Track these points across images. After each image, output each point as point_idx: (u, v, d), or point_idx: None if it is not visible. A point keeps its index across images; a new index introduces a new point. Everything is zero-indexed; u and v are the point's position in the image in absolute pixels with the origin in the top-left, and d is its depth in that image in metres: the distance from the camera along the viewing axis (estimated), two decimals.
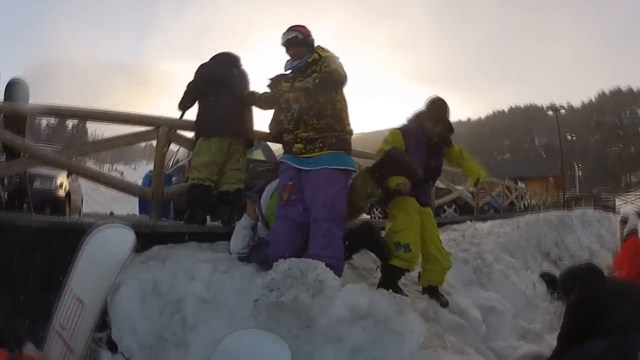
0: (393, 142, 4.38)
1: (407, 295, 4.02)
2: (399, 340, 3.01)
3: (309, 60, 4.09)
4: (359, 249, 4.43)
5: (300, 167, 3.96)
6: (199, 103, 4.88)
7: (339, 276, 3.58)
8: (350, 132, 4.07)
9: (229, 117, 4.60)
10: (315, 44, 4.21)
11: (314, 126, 3.94)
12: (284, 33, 4.22)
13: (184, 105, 4.97)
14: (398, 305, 3.25)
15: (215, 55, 5.04)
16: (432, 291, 4.38)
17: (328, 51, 4.12)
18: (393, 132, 4.54)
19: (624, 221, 6.58)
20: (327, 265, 3.50)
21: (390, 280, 4.18)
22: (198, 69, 4.97)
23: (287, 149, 4.14)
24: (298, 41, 4.15)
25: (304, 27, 4.26)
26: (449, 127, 4.58)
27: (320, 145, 3.90)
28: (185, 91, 4.95)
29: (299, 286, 3.20)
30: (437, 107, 4.53)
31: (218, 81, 4.80)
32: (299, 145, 3.98)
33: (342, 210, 3.87)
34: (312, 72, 4.01)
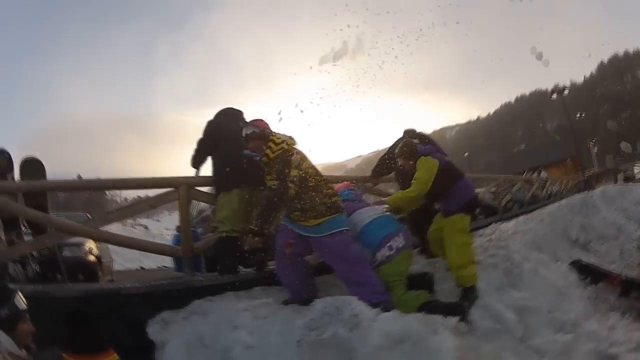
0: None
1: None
2: (435, 358, 3.15)
3: (262, 161, 4.39)
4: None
5: (301, 233, 4.24)
6: (213, 158, 5.06)
7: (390, 309, 3.75)
8: (334, 194, 4.33)
9: (244, 168, 4.73)
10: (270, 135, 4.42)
11: (302, 205, 4.20)
12: (244, 128, 4.51)
13: (197, 163, 5.16)
14: (432, 325, 3.39)
15: (220, 111, 5.25)
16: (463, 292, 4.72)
17: (278, 148, 4.32)
18: (430, 161, 5.06)
19: None
20: (372, 304, 3.72)
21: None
22: (206, 126, 5.15)
23: (286, 214, 4.39)
24: (255, 136, 4.40)
25: (261, 120, 4.59)
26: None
27: (315, 214, 4.14)
28: (197, 149, 5.13)
29: (337, 322, 3.38)
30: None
31: (227, 135, 4.97)
32: (297, 213, 4.23)
33: (355, 256, 4.17)
34: (268, 172, 4.34)
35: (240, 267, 5.02)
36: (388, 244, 4.42)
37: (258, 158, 4.41)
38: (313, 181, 4.28)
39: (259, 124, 4.51)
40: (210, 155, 5.12)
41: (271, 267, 4.91)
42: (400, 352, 3.25)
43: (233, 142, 4.84)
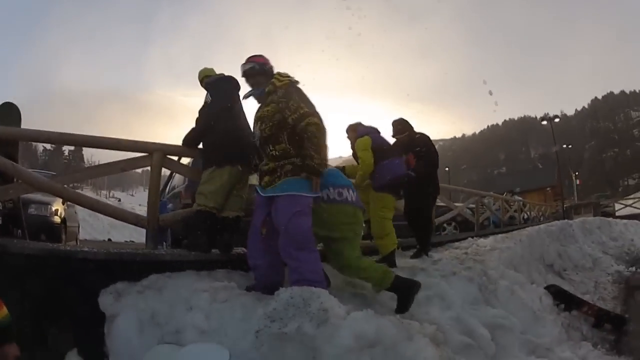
0: None
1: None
2: None
3: (266, 90, 4.17)
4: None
5: (265, 195, 4.02)
6: (209, 132, 4.82)
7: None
8: (310, 157, 3.96)
9: (241, 145, 4.58)
10: (275, 71, 4.29)
11: (272, 155, 4.03)
12: (242, 64, 4.36)
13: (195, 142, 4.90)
14: (406, 331, 3.18)
15: (228, 78, 5.02)
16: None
17: (285, 79, 4.17)
18: (364, 140, 5.85)
19: None
20: (306, 280, 3.59)
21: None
22: (218, 84, 4.96)
23: (259, 182, 4.20)
24: (255, 71, 4.27)
25: (261, 56, 4.40)
26: None
27: (279, 174, 3.96)
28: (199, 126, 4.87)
29: (302, 316, 3.12)
30: None
31: (229, 108, 4.79)
32: (266, 178, 4.04)
33: (300, 233, 3.84)
34: (270, 101, 4.10)
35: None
36: (339, 190, 4.33)
37: (255, 91, 4.26)
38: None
39: (259, 60, 4.33)
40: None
41: (237, 251, 4.78)
42: (370, 357, 3.03)
43: (232, 115, 4.74)
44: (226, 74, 5.07)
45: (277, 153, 4.01)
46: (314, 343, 3.02)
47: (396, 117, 6.94)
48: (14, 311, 3.11)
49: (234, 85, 4.92)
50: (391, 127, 6.86)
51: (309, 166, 3.89)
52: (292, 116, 3.95)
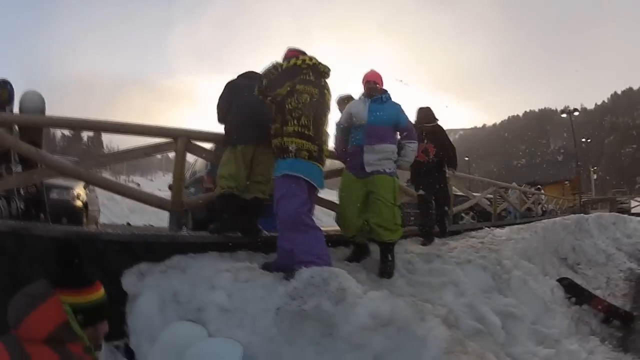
0: None
1: None
2: (421, 347, 3.01)
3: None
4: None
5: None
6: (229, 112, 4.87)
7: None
8: (292, 133, 4.09)
9: (253, 124, 4.61)
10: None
11: (271, 134, 4.21)
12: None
13: (223, 118, 4.96)
14: (420, 312, 3.25)
15: (243, 73, 5.07)
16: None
17: (291, 62, 4.27)
18: None
19: None
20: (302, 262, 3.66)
21: None
22: (227, 84, 5.01)
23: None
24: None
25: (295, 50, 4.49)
26: None
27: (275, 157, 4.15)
28: (218, 104, 4.95)
29: (321, 294, 3.23)
30: None
31: (243, 92, 4.80)
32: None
33: (289, 216, 3.94)
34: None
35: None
36: None
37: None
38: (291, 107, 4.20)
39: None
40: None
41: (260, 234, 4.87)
42: (384, 336, 3.12)
43: (249, 96, 4.68)
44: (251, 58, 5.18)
45: (272, 132, 4.17)
46: (332, 320, 3.13)
47: (423, 105, 7.06)
48: None
49: (249, 79, 4.91)
50: (418, 114, 6.99)
51: (284, 148, 4.06)
52: (281, 93, 4.11)
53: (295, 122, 4.10)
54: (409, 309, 3.27)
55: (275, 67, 4.25)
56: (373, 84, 5.01)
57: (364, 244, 5.04)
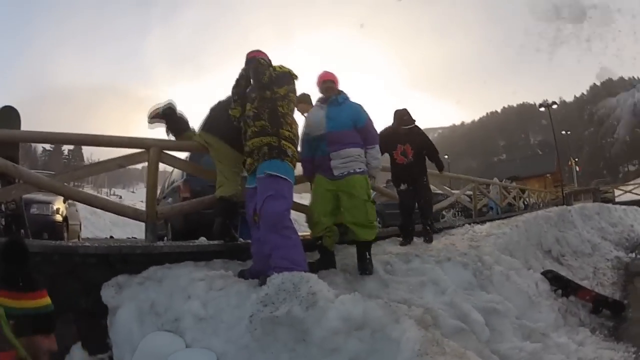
0: None
1: None
2: (395, 349, 2.99)
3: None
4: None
5: (254, 186, 4.17)
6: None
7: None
8: (288, 138, 4.15)
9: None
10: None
11: (253, 131, 4.15)
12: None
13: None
14: (394, 314, 3.24)
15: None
16: None
17: (282, 69, 4.39)
18: None
19: None
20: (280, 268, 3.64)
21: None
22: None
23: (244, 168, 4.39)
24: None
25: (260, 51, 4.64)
26: None
27: (257, 157, 4.08)
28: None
29: (292, 300, 3.22)
30: None
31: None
32: (248, 161, 4.19)
33: (273, 216, 3.91)
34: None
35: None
36: None
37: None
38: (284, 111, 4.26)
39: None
40: None
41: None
42: (357, 339, 3.11)
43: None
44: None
45: (256, 129, 4.12)
46: (304, 325, 3.11)
47: (399, 108, 7.02)
48: None
49: None
50: (394, 117, 6.94)
51: (282, 149, 4.06)
52: (279, 92, 4.17)
53: (289, 127, 4.20)
54: (382, 311, 3.25)
55: (268, 67, 4.29)
56: (330, 83, 4.98)
57: (331, 252, 4.93)
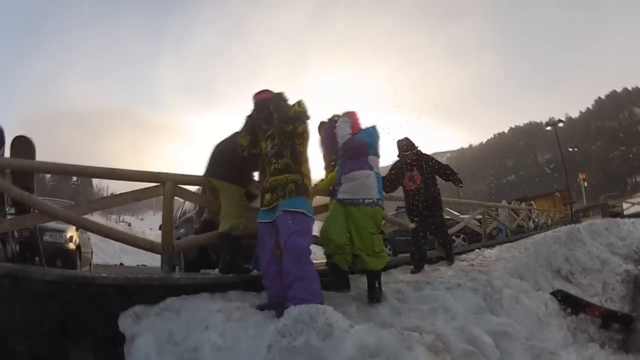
0: None
1: None
2: None
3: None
4: None
5: (271, 220, 4.26)
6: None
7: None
8: (307, 176, 4.36)
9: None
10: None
11: (275, 168, 4.29)
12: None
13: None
14: (406, 341, 3.33)
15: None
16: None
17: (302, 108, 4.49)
18: None
19: None
20: (300, 299, 3.77)
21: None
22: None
23: (261, 203, 4.44)
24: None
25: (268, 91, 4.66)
26: None
27: (282, 193, 4.20)
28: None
29: (310, 331, 3.33)
30: None
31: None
32: (267, 196, 4.30)
33: (300, 250, 4.04)
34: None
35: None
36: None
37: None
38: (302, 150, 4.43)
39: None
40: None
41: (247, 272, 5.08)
42: None
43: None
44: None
45: (279, 167, 4.26)
46: (321, 354, 3.22)
47: (400, 138, 7.19)
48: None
49: None
50: (397, 146, 7.17)
51: (306, 187, 4.24)
52: (299, 130, 4.29)
53: (307, 165, 4.40)
54: (395, 338, 3.35)
55: (288, 104, 4.43)
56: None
57: (344, 272, 4.98)
